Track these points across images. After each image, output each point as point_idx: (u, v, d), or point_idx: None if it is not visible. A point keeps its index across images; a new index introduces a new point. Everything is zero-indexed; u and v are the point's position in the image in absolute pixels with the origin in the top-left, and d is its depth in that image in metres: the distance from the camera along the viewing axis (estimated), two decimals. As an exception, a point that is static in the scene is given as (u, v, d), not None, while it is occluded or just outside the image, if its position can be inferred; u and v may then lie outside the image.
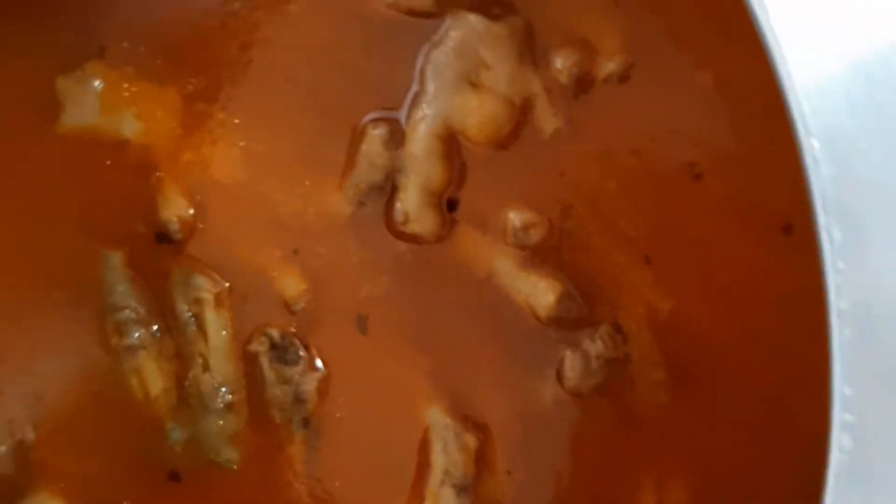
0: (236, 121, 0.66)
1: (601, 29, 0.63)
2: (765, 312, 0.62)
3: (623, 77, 0.63)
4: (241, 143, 0.66)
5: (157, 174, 0.67)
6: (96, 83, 0.67)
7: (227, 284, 0.67)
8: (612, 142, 0.63)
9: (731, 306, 0.62)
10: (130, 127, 0.67)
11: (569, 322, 0.64)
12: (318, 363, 0.67)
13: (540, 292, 0.64)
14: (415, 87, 0.64)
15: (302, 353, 0.66)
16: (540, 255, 0.64)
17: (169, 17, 0.66)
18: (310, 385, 0.67)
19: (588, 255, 0.64)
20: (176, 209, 0.67)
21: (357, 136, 0.65)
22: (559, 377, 0.65)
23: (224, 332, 0.67)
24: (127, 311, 0.68)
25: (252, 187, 0.66)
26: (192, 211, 0.67)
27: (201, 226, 0.67)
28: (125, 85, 0.67)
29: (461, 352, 0.66)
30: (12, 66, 0.67)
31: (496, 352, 0.65)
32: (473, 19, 0.63)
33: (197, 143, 0.67)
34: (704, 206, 0.63)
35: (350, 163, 0.65)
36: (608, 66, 0.63)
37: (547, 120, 0.64)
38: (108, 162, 0.67)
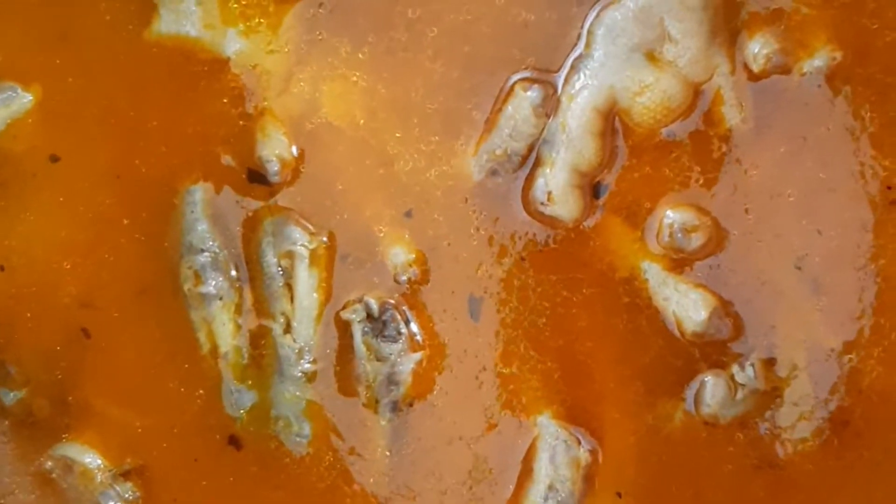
0: (362, 55, 0.63)
1: (810, 18, 0.60)
2: None
3: (829, 75, 0.60)
4: (364, 82, 0.63)
5: (260, 104, 0.63)
6: None
7: (325, 240, 0.64)
8: (801, 146, 0.60)
9: None
10: (235, 45, 0.63)
11: (718, 343, 0.61)
12: (420, 343, 0.64)
13: (690, 304, 0.61)
14: (579, 49, 0.60)
15: (402, 329, 0.63)
16: (696, 262, 0.61)
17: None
18: (406, 366, 0.64)
19: (751, 270, 0.61)
20: (276, 146, 0.63)
21: (503, 94, 0.61)
22: (696, 401, 0.62)
23: (315, 294, 0.64)
24: (205, 254, 0.65)
25: (369, 134, 0.63)
26: (295, 151, 0.63)
27: (303, 169, 0.63)
28: None
29: (585, 355, 0.63)
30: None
31: (626, 361, 0.62)
32: None
33: (311, 74, 0.63)
34: None
35: (490, 123, 0.62)
36: (813, 62, 0.60)
37: (730, 112, 0.60)
38: (203, 82, 0.64)
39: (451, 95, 0.62)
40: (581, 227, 0.62)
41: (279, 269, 0.64)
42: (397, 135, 0.63)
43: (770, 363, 0.61)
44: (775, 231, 0.61)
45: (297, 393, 0.65)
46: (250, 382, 0.65)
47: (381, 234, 0.64)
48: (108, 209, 0.65)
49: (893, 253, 0.59)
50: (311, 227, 0.64)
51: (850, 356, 0.60)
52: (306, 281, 0.64)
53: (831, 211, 0.60)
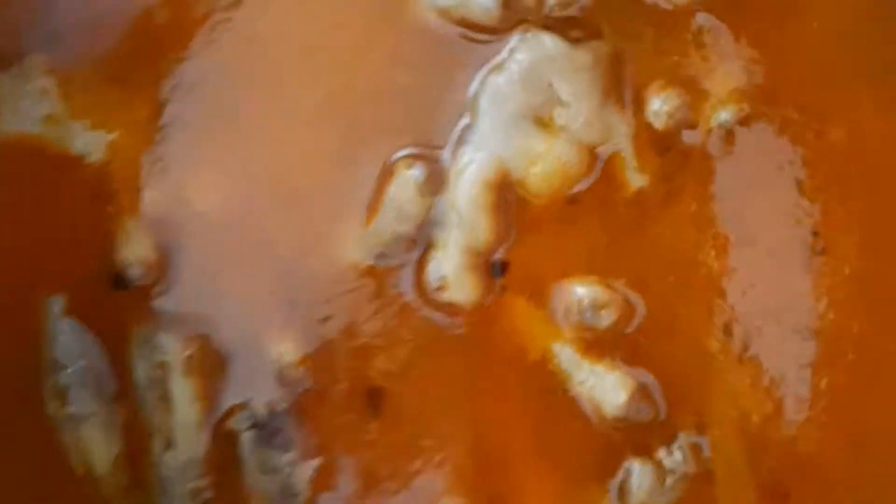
0: (226, 135, 0.61)
1: (712, 68, 0.60)
2: (886, 429, 0.60)
3: (736, 130, 0.60)
4: (233, 164, 0.61)
5: (118, 201, 0.62)
6: (40, 83, 0.61)
7: (202, 344, 0.62)
8: (712, 206, 0.60)
9: (847, 419, 0.60)
10: (83, 141, 0.61)
11: (641, 426, 0.60)
12: (316, 449, 0.62)
13: (608, 387, 0.60)
14: (465, 120, 0.60)
15: (293, 436, 0.62)
16: (611, 340, 0.60)
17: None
18: (303, 476, 0.62)
19: (672, 343, 0.60)
20: (139, 247, 0.61)
21: (386, 173, 0.60)
22: (622, 491, 0.61)
23: (195, 405, 0.62)
24: (70, 371, 0.63)
25: (243, 220, 0.61)
26: (159, 250, 0.62)
27: (174, 268, 0.62)
28: (78, 87, 0.61)
29: (499, 449, 0.61)
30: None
31: (544, 451, 0.61)
32: (548, 41, 0.59)
33: (171, 162, 0.62)
34: (827, 288, 0.60)
35: (375, 205, 0.61)
36: (719, 115, 0.60)
37: (631, 174, 0.60)
38: (53, 183, 0.61)
39: (331, 173, 0.61)
40: (483, 309, 0.61)
41: (152, 381, 0.63)
42: (275, 218, 0.61)
43: (698, 445, 0.60)
44: (695, 297, 0.60)
45: (185, 513, 0.62)
46: (134, 504, 0.62)
47: (266, 332, 0.62)
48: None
49: (820, 305, 0.60)
50: (184, 331, 0.62)
51: (784, 423, 0.60)
52: (183, 392, 0.62)
53: (754, 268, 0.60)
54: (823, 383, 0.60)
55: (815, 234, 0.60)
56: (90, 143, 0.62)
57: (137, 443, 0.63)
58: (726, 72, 0.60)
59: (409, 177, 0.60)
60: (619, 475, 0.61)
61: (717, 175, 0.60)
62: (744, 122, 0.60)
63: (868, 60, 0.61)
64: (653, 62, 0.60)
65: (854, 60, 0.61)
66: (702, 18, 0.60)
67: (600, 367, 0.60)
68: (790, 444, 0.60)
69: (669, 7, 0.60)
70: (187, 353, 0.62)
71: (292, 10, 0.61)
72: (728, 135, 0.60)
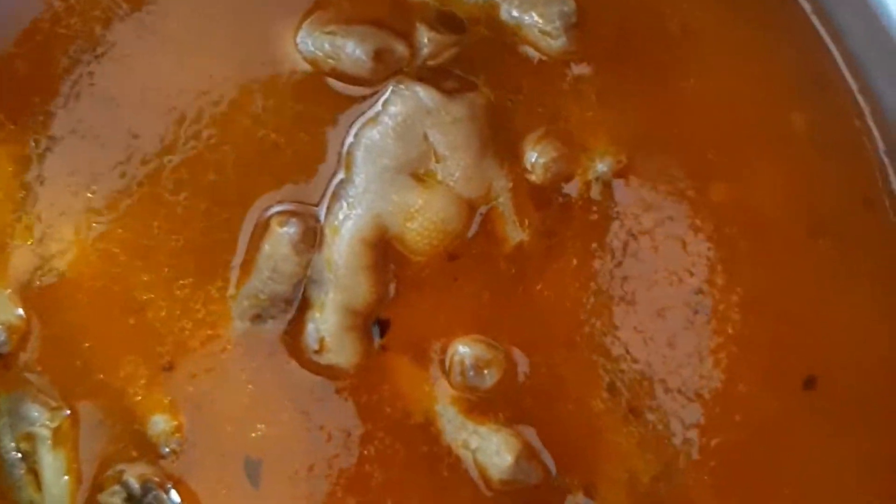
0: (91, 194, 0.61)
1: (589, 120, 0.61)
2: (777, 487, 0.60)
3: (612, 182, 0.61)
4: (98, 224, 0.61)
5: None
6: None
7: (68, 413, 0.61)
8: (595, 262, 0.61)
9: (739, 478, 0.60)
10: None
11: (529, 489, 0.60)
12: None
13: (493, 449, 0.60)
14: (340, 175, 0.60)
15: None
16: (495, 401, 0.60)
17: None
18: None
19: (558, 403, 0.61)
20: (2, 312, 0.60)
21: (259, 230, 0.60)
22: None
23: (65, 478, 0.61)
24: None
25: (112, 281, 0.61)
26: (23, 314, 0.61)
27: (40, 333, 0.61)
28: None
29: None
30: None
31: None
32: (422, 92, 0.60)
33: (36, 222, 0.61)
34: (711, 350, 0.61)
35: (248, 264, 0.60)
36: (596, 167, 0.60)
37: (511, 229, 0.60)
38: None
39: (199, 231, 0.61)
40: (364, 372, 0.61)
41: (19, 454, 0.62)
42: (144, 279, 0.61)
43: None
44: (579, 356, 0.60)
45: None
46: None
47: (139, 398, 0.61)
48: None
49: (703, 366, 0.61)
50: (52, 401, 0.61)
51: (675, 484, 0.60)
52: (52, 464, 0.62)
53: (638, 326, 0.61)
54: (713, 443, 0.60)
55: (699, 292, 0.60)
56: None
57: (11, 522, 0.61)
58: (604, 123, 0.61)
59: (284, 234, 0.60)
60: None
61: (598, 230, 0.61)
62: (621, 173, 0.61)
63: (752, 122, 0.62)
64: (531, 114, 0.61)
65: (737, 121, 0.62)
66: (578, 69, 0.61)
67: (484, 429, 0.60)
68: (684, 500, 0.60)
69: (543, 57, 0.61)
70: (56, 422, 0.61)
71: (157, 67, 0.62)
72: (605, 188, 0.60)
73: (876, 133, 0.63)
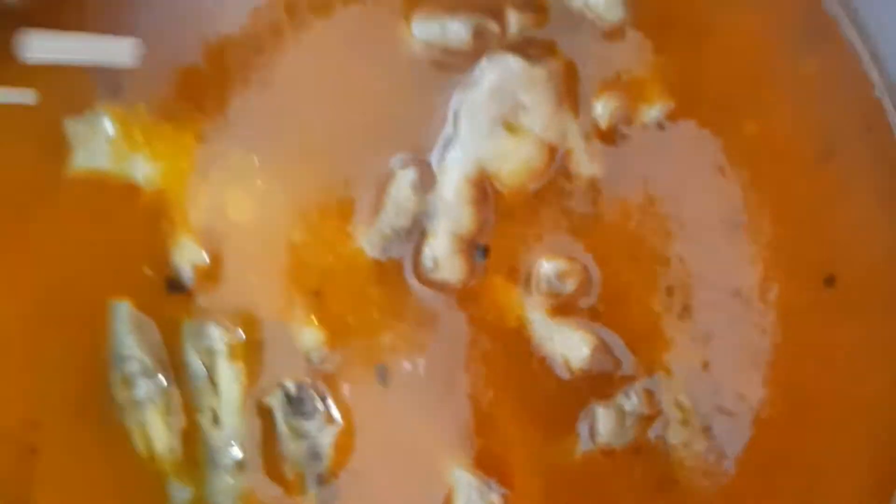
0: (255, 161, 0.67)
1: (645, 73, 0.67)
2: (811, 377, 0.67)
3: (665, 124, 0.67)
4: (260, 184, 0.67)
5: (170, 218, 0.67)
6: (108, 125, 0.67)
7: (242, 333, 0.66)
8: (651, 189, 0.67)
9: (781, 374, 0.67)
10: (142, 170, 0.67)
11: (603, 376, 0.66)
12: (337, 416, 0.67)
13: (574, 344, 0.66)
14: (447, 129, 0.66)
15: (319, 405, 0.66)
16: (574, 305, 0.66)
17: (187, 53, 0.67)
18: (326, 439, 0.66)
19: (625, 306, 0.66)
20: (189, 255, 0.67)
21: (385, 178, 0.66)
22: (591, 433, 0.66)
23: (236, 385, 0.67)
24: (134, 362, 0.66)
25: (271, 230, 0.66)
26: (206, 256, 0.67)
27: (216, 272, 0.67)
28: (138, 126, 0.67)
29: (490, 405, 0.67)
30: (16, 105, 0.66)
31: (524, 406, 0.66)
32: (511, 61, 0.65)
33: (212, 184, 0.67)
34: (748, 255, 0.67)
35: (377, 206, 0.66)
36: (650, 113, 0.67)
37: (583, 165, 0.66)
38: (119, 207, 0.67)
39: (340, 184, 0.67)
40: (469, 287, 0.66)
41: (202, 366, 0.67)
42: (297, 227, 0.66)
43: (650, 390, 0.66)
44: (642, 267, 0.67)
45: (231, 481, 0.67)
46: (188, 478, 0.67)
47: (293, 321, 0.67)
48: (41, 329, 0.67)
49: (741, 270, 0.67)
50: (227, 323, 0.66)
51: (722, 372, 0.67)
52: (227, 374, 0.66)
53: (688, 241, 0.67)
54: (751, 333, 0.67)
55: (736, 209, 0.67)
56: (148, 172, 0.67)
57: (190, 423, 0.67)
58: (655, 76, 0.66)
59: (405, 177, 0.66)
60: (587, 420, 0.66)
61: (654, 164, 0.66)
62: (671, 116, 0.66)
63: (773, 68, 0.68)
64: (597, 72, 0.66)
65: (760, 69, 0.68)
66: (633, 34, 0.67)
67: (567, 328, 0.66)
68: (731, 390, 0.67)
69: (606, 25, 0.67)
70: (231, 340, 0.66)
71: (307, 62, 0.68)
72: (659, 128, 0.67)
73: (875, 74, 0.68)
